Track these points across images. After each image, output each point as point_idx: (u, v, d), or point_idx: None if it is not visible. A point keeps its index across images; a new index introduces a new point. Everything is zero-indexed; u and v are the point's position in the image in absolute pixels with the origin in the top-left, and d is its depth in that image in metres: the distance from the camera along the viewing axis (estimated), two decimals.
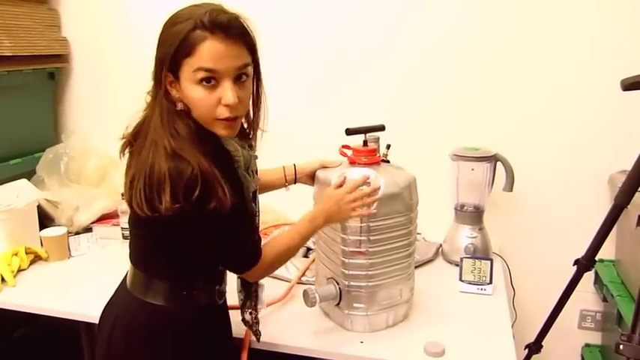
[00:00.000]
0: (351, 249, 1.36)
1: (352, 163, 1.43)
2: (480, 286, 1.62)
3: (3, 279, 1.67)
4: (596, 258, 1.55)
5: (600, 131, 1.87)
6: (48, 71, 2.33)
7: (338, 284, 1.40)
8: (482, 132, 1.94)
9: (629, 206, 1.41)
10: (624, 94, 1.29)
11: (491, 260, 1.64)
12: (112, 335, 1.21)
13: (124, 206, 1.92)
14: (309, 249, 1.87)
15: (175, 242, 1.13)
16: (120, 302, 1.25)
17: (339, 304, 1.41)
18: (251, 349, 1.37)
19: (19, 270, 1.76)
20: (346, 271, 1.38)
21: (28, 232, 1.89)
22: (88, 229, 2.06)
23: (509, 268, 1.87)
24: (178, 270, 1.19)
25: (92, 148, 2.24)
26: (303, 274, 1.69)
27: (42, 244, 1.88)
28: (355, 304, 1.39)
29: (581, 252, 1.57)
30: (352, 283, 1.38)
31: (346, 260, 1.37)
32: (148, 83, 1.18)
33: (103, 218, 2.10)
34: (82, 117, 2.46)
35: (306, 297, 1.37)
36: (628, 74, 1.29)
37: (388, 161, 1.50)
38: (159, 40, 1.12)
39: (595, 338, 2.04)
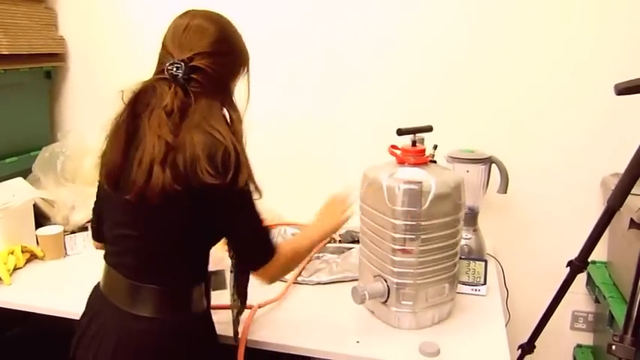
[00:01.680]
0: (399, 247, 1.39)
1: (401, 162, 1.46)
2: (474, 287, 1.63)
3: None
4: (589, 260, 1.56)
5: (593, 134, 1.90)
6: (45, 70, 2.33)
7: (386, 281, 1.42)
8: (477, 134, 1.96)
9: (621, 209, 1.43)
10: (618, 97, 1.31)
11: (486, 261, 1.65)
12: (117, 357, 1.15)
13: None
14: None
15: (196, 233, 1.15)
16: (116, 323, 1.17)
17: (386, 301, 1.43)
18: (246, 349, 1.37)
19: (15, 269, 1.76)
20: (395, 269, 1.41)
21: (24, 231, 1.89)
22: (83, 228, 2.06)
23: (503, 269, 1.89)
24: (195, 272, 1.21)
25: (88, 147, 2.23)
26: (299, 274, 1.70)
27: (38, 243, 1.88)
28: (403, 302, 1.42)
29: (573, 253, 1.58)
30: (401, 281, 1.41)
31: (395, 258, 1.40)
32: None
33: None
34: (79, 116, 2.46)
35: (355, 294, 1.39)
36: (622, 77, 1.30)
37: (435, 161, 1.53)
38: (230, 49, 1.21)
39: (587, 339, 2.05)
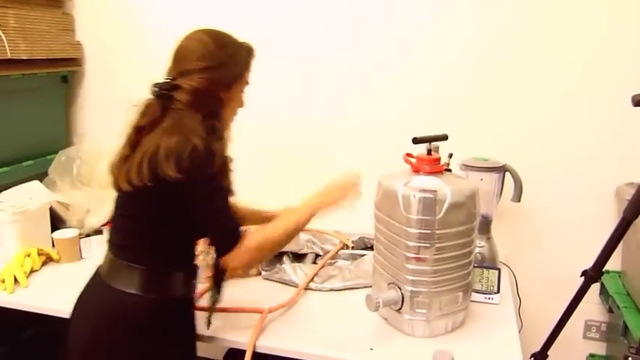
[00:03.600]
0: (414, 255, 1.39)
1: (416, 171, 1.47)
2: (487, 295, 1.63)
3: (16, 280, 1.69)
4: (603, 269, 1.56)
5: (608, 143, 1.89)
6: (61, 74, 2.36)
7: (400, 289, 1.42)
8: (491, 142, 1.96)
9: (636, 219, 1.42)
10: (632, 106, 1.31)
11: (499, 270, 1.65)
12: (97, 328, 1.27)
13: None
14: (317, 255, 1.89)
15: (170, 219, 1.25)
16: (98, 294, 1.31)
17: (400, 309, 1.43)
18: (255, 354, 1.38)
19: (32, 271, 1.78)
20: (409, 277, 1.41)
21: (41, 234, 1.91)
22: (98, 232, 2.07)
23: (516, 277, 1.88)
24: (162, 257, 1.30)
25: (103, 151, 2.25)
26: (312, 280, 1.70)
27: (54, 246, 1.90)
28: (417, 310, 1.42)
29: (586, 262, 1.57)
30: (415, 289, 1.41)
31: (410, 266, 1.40)
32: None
33: None
34: (94, 120, 2.48)
35: (369, 301, 1.39)
36: (636, 86, 1.31)
37: (450, 170, 1.53)
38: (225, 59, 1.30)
39: (600, 349, 2.04)
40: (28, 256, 1.79)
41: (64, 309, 1.58)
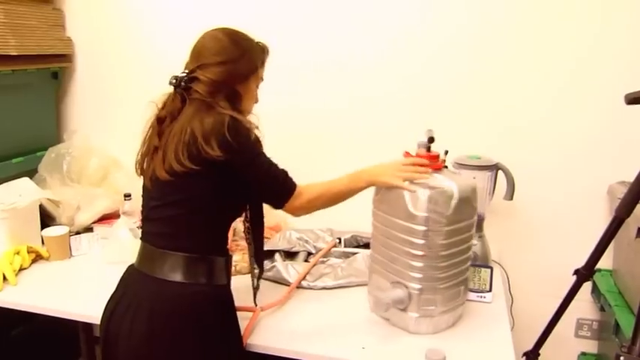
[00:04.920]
0: (421, 253, 1.39)
1: None
2: (479, 294, 1.63)
3: (5, 277, 1.67)
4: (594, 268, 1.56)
5: (600, 142, 1.89)
6: (52, 71, 2.34)
7: (406, 288, 1.42)
8: (484, 140, 1.96)
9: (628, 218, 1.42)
10: (625, 105, 1.30)
11: (492, 268, 1.65)
12: (154, 326, 1.23)
13: (126, 206, 1.93)
14: (309, 253, 1.88)
15: (214, 197, 1.29)
16: (149, 290, 1.28)
17: (406, 307, 1.42)
18: (248, 353, 1.38)
19: (21, 269, 1.76)
20: (416, 275, 1.41)
21: (30, 231, 1.89)
22: (88, 229, 2.06)
23: (508, 275, 1.88)
24: (217, 242, 1.35)
25: (94, 148, 2.25)
26: (304, 278, 1.70)
27: (43, 244, 1.89)
28: (423, 307, 1.42)
29: (578, 260, 1.57)
30: (422, 286, 1.41)
31: (416, 264, 1.40)
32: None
33: (104, 218, 2.11)
34: (85, 117, 2.46)
35: (380, 304, 1.39)
36: (630, 84, 1.31)
37: (446, 167, 1.53)
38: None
39: (591, 347, 2.05)
40: (18, 253, 1.78)
41: (54, 307, 1.59)
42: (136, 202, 1.95)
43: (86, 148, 2.21)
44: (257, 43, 1.41)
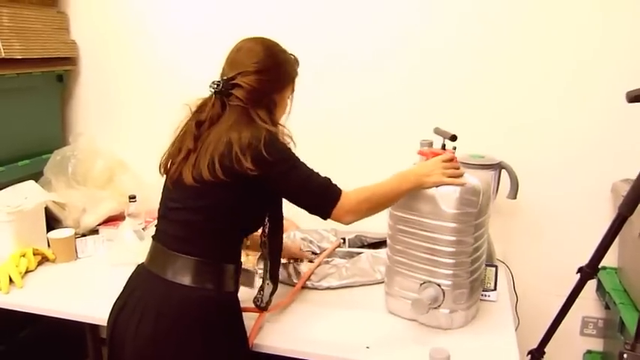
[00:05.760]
0: (455, 249, 1.42)
1: None
2: (484, 293, 1.63)
3: (11, 280, 1.68)
4: (599, 266, 1.56)
5: (604, 140, 1.89)
6: (56, 74, 2.35)
7: (439, 286, 1.44)
8: (487, 139, 1.95)
9: (632, 215, 1.42)
10: (627, 103, 1.30)
11: (497, 267, 1.65)
12: (159, 328, 1.24)
13: (131, 208, 1.94)
14: (314, 253, 1.89)
15: (238, 209, 1.31)
16: (157, 291, 1.29)
17: (439, 305, 1.44)
18: (253, 355, 1.38)
19: (27, 271, 1.77)
20: (449, 271, 1.43)
21: (36, 234, 1.90)
22: (94, 231, 2.07)
23: (513, 274, 1.88)
24: (231, 250, 1.35)
25: (99, 150, 2.25)
26: (308, 279, 1.70)
27: (49, 246, 1.90)
28: (457, 303, 1.45)
29: (583, 259, 1.57)
30: (456, 282, 1.44)
31: (449, 261, 1.43)
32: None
33: (110, 220, 2.12)
34: (90, 119, 2.48)
35: (421, 306, 1.39)
36: (633, 83, 1.30)
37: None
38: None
39: (597, 345, 2.05)
40: (24, 256, 1.79)
41: (60, 309, 1.59)
42: (142, 204, 1.98)
43: (91, 150, 2.22)
44: (290, 54, 1.44)
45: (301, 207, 1.33)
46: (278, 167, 1.27)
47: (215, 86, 1.33)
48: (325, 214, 1.31)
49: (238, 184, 1.26)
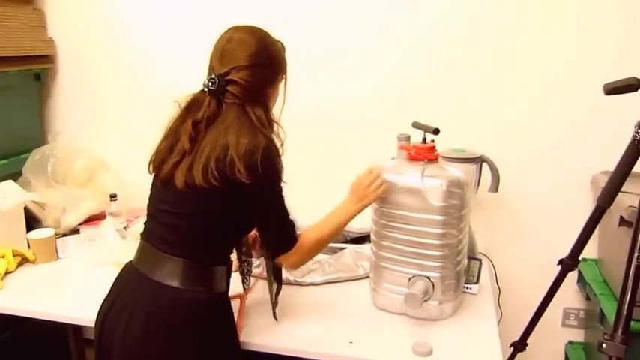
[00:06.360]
0: (443, 242, 1.44)
1: (414, 159, 1.51)
2: (466, 285, 1.64)
3: None
4: (579, 257, 1.58)
5: (583, 133, 1.91)
6: (34, 72, 2.32)
7: (429, 278, 1.45)
8: (468, 133, 1.96)
9: (610, 207, 1.44)
10: (606, 96, 1.32)
11: (481, 260, 1.66)
12: (149, 329, 1.22)
13: (112, 207, 1.92)
14: None
15: (228, 217, 1.28)
16: (146, 292, 1.26)
17: (429, 298, 1.46)
18: (243, 354, 1.38)
19: (7, 272, 1.75)
20: (437, 264, 1.46)
21: (15, 234, 1.88)
22: (75, 231, 2.05)
23: (495, 267, 1.90)
24: (221, 253, 1.33)
25: (79, 149, 2.23)
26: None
27: (29, 246, 1.87)
28: (446, 293, 1.48)
29: (564, 250, 1.59)
30: (445, 274, 1.46)
31: (437, 253, 1.45)
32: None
33: (91, 219, 2.09)
34: (69, 118, 2.45)
35: (415, 300, 1.39)
36: (611, 75, 1.32)
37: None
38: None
39: (578, 335, 2.07)
40: (3, 257, 1.77)
41: (42, 310, 1.58)
42: (123, 203, 1.96)
43: (71, 149, 2.20)
44: (278, 41, 1.38)
45: (260, 237, 1.38)
46: (264, 187, 1.25)
47: (210, 84, 1.27)
48: (276, 255, 1.36)
49: (229, 191, 1.22)
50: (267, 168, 1.23)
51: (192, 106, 1.31)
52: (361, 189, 1.45)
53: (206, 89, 1.28)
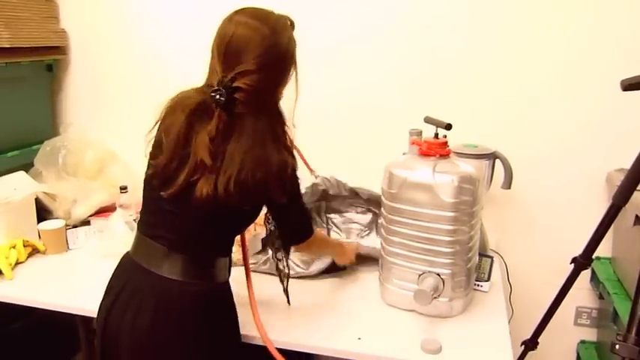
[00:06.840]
0: (455, 238, 1.43)
1: (425, 155, 1.49)
2: (477, 283, 1.62)
3: (1, 272, 1.67)
4: (593, 256, 1.55)
5: (598, 129, 1.88)
6: (46, 63, 2.32)
7: (439, 275, 1.44)
8: (481, 129, 1.94)
9: (626, 205, 1.41)
10: (623, 92, 1.29)
11: (492, 258, 1.65)
12: (157, 320, 1.21)
13: (122, 199, 1.92)
14: None
15: (239, 222, 1.33)
16: (152, 285, 1.24)
17: (439, 294, 1.44)
18: (246, 345, 1.38)
19: (17, 263, 1.76)
20: (448, 260, 1.44)
21: (26, 225, 1.88)
22: (85, 222, 2.06)
23: (507, 264, 1.88)
24: (223, 247, 1.33)
25: (90, 141, 2.23)
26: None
27: (40, 237, 1.88)
28: (456, 290, 1.47)
29: (577, 249, 1.57)
30: (455, 271, 1.45)
31: (448, 250, 1.44)
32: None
33: (101, 211, 2.10)
34: (80, 109, 2.45)
35: (425, 296, 1.37)
36: (627, 71, 1.29)
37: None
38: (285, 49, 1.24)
39: (591, 335, 2.05)
40: (14, 247, 1.77)
41: (51, 301, 1.58)
42: (133, 195, 1.96)
43: (82, 141, 2.20)
44: (285, 20, 1.24)
45: (280, 230, 1.40)
46: (291, 197, 1.27)
47: (218, 97, 1.15)
48: (293, 242, 1.41)
49: (251, 204, 1.25)
50: (294, 181, 1.28)
51: (198, 112, 1.19)
52: (350, 253, 1.65)
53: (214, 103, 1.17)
